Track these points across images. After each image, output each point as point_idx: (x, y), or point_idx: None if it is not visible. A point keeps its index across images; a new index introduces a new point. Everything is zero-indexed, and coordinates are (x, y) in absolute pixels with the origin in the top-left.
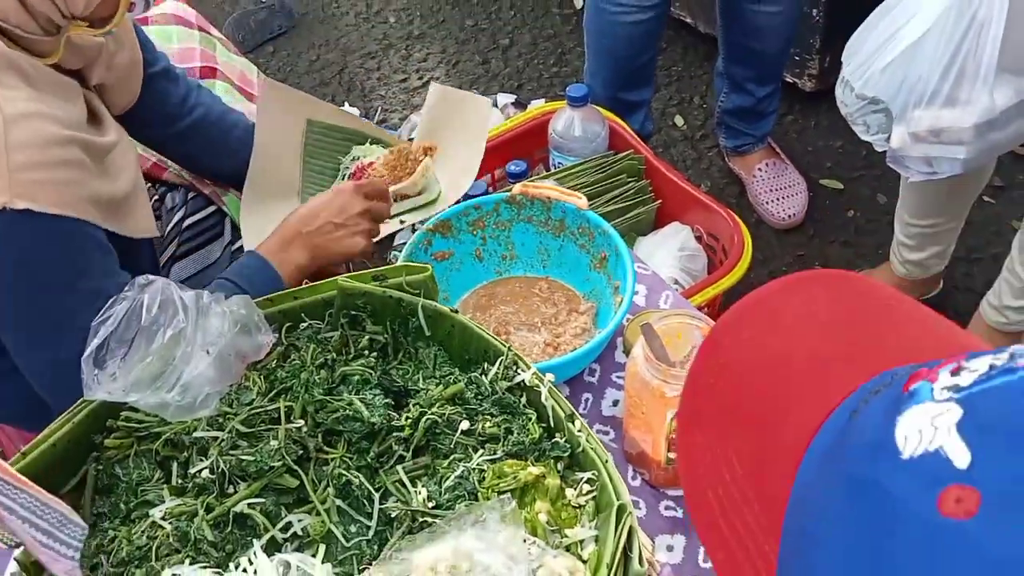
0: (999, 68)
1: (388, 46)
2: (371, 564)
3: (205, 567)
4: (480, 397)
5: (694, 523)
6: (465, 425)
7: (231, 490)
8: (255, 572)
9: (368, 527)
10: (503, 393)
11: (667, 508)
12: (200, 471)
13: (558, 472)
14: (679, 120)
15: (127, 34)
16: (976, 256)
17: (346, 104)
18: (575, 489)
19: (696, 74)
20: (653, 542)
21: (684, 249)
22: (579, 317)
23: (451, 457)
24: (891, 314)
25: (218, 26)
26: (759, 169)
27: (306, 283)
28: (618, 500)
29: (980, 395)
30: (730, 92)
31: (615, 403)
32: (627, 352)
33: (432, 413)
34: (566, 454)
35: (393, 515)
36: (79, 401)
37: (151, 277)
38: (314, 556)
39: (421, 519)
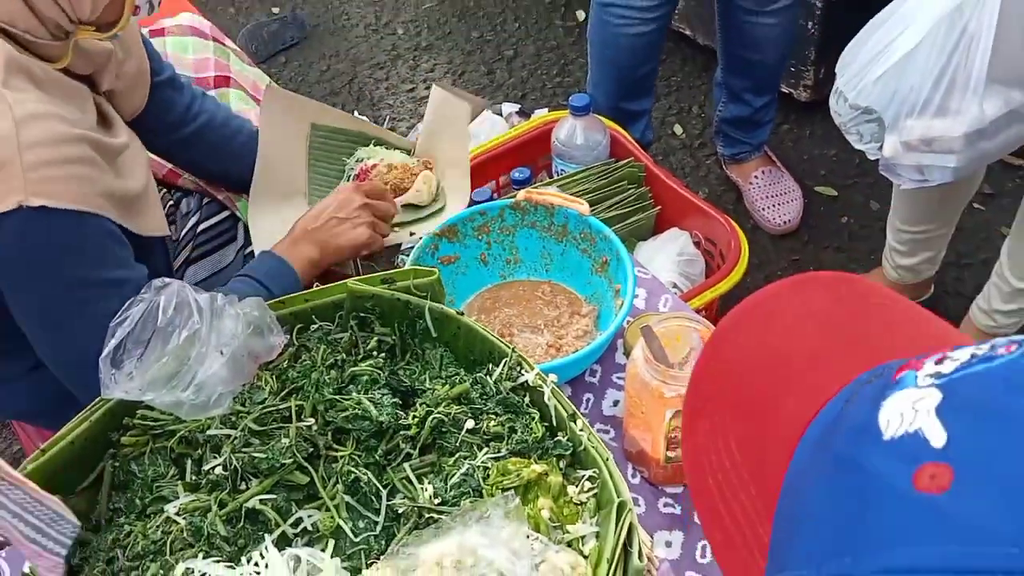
0: (988, 79)
1: (396, 57)
2: (379, 559)
3: (218, 561)
4: (485, 397)
5: (696, 508)
6: (470, 424)
7: (243, 486)
8: (266, 566)
9: (376, 523)
10: (507, 393)
11: (666, 505)
12: (213, 468)
13: (560, 470)
14: (678, 129)
15: (134, 43)
16: (966, 261)
17: (355, 113)
18: (577, 486)
19: (695, 84)
20: (652, 538)
21: (683, 254)
22: (581, 319)
23: (456, 455)
24: (888, 313)
25: (232, 37)
26: (755, 176)
27: (317, 286)
28: (618, 497)
29: (960, 380)
30: (728, 102)
31: (615, 403)
32: (627, 354)
33: (438, 412)
34: (568, 452)
35: (400, 511)
36: (96, 400)
37: (167, 280)
38: (323, 551)
39: (427, 515)
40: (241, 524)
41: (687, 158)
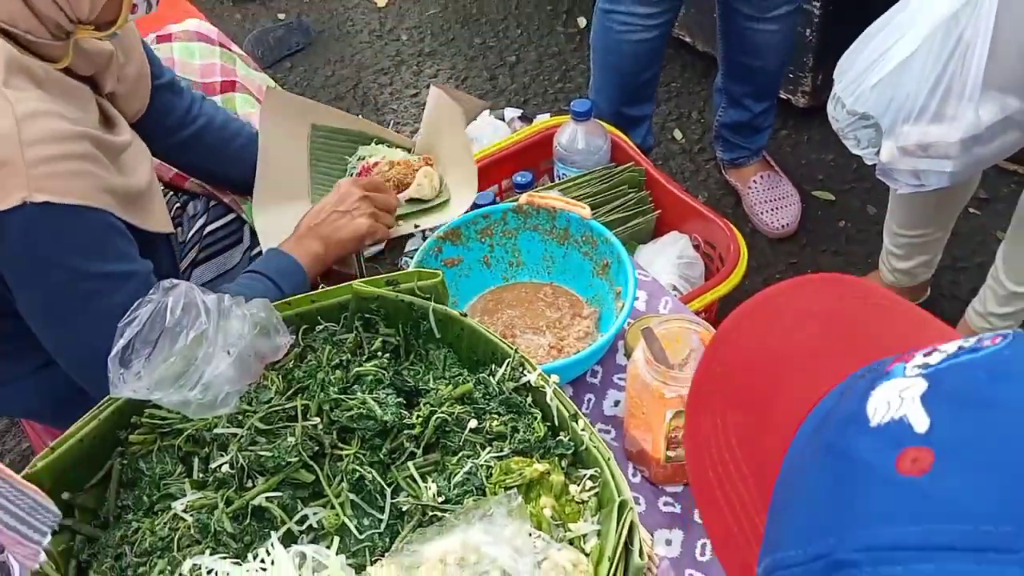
0: (984, 86)
1: (400, 62)
2: (383, 556)
3: (225, 558)
4: (488, 397)
5: (696, 500)
6: (473, 423)
7: (250, 484)
8: (272, 563)
9: (380, 520)
10: (510, 393)
11: (666, 504)
12: (220, 466)
13: (562, 469)
14: (678, 134)
15: (135, 46)
16: (962, 265)
17: (360, 117)
18: (578, 485)
19: (694, 90)
20: (652, 536)
21: (683, 257)
22: (582, 321)
23: (460, 454)
24: (887, 315)
25: (238, 43)
26: (754, 181)
27: (322, 287)
28: (620, 496)
29: (945, 370)
30: (728, 107)
31: (616, 403)
32: (628, 355)
33: (442, 412)
34: (570, 452)
35: (404, 509)
36: (105, 399)
37: (175, 281)
38: (328, 548)
39: (431, 513)
40: (247, 521)
41: (687, 163)
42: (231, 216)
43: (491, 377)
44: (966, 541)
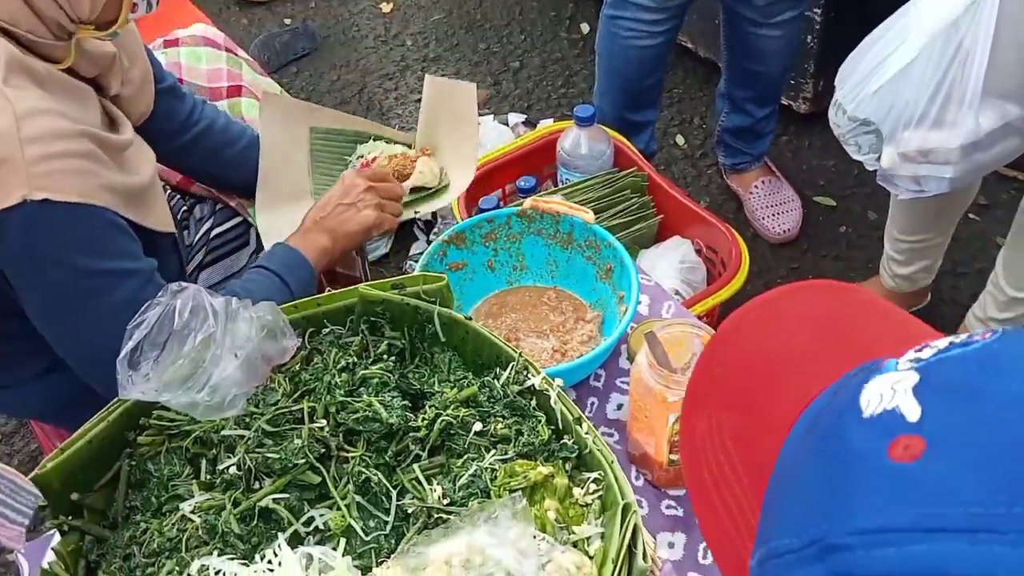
0: (984, 93)
1: (405, 68)
2: (389, 557)
3: (232, 558)
4: (492, 400)
5: (691, 499)
6: (478, 426)
7: (257, 486)
8: (279, 564)
9: (386, 522)
10: (514, 396)
11: (668, 507)
12: (228, 467)
13: (566, 472)
14: (680, 139)
15: (139, 50)
16: (962, 270)
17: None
18: (582, 488)
19: (696, 96)
20: (655, 539)
21: (685, 261)
22: (586, 325)
23: (465, 457)
24: (884, 320)
25: (245, 48)
26: (756, 186)
27: (328, 291)
28: (623, 499)
29: (936, 363)
30: (731, 112)
31: (619, 407)
32: (631, 359)
33: (447, 415)
34: (574, 455)
35: (410, 511)
36: (114, 400)
37: (183, 284)
38: (335, 549)
39: (436, 515)
40: (255, 523)
41: (689, 168)
42: (238, 219)
43: (495, 380)
44: (957, 523)
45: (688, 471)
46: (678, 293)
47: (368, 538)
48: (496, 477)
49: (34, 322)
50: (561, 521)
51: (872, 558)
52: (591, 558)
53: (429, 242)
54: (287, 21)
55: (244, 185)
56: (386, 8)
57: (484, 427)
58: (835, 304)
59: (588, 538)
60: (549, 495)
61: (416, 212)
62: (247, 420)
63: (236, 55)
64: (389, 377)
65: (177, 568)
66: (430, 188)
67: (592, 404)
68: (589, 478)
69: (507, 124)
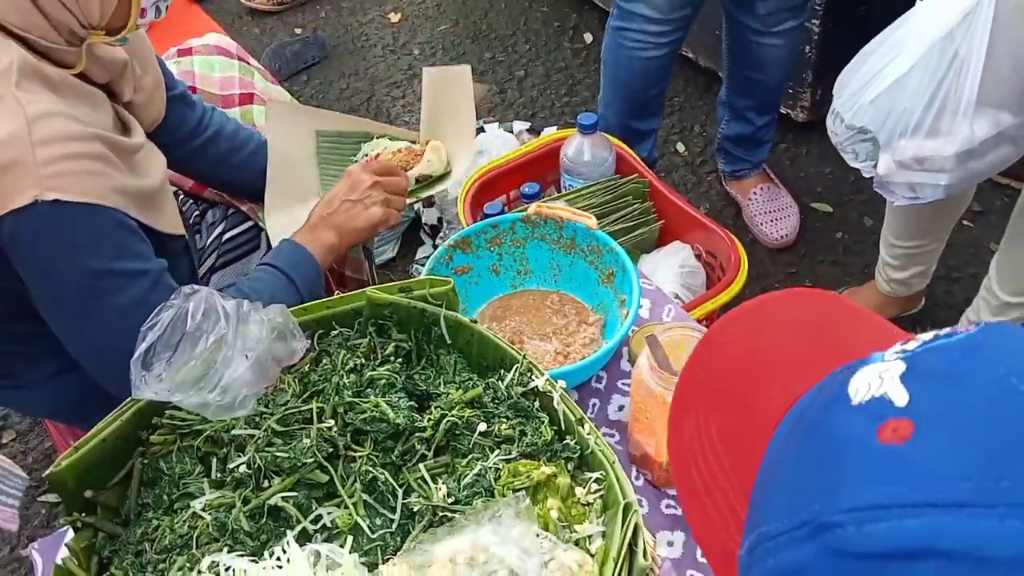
0: (978, 102)
1: (413, 76)
2: (395, 555)
3: (242, 555)
4: (496, 401)
5: (679, 496)
6: (483, 427)
7: (266, 484)
8: (288, 561)
9: (392, 520)
10: (518, 398)
11: (668, 506)
12: (238, 466)
13: (568, 472)
14: (680, 147)
15: (151, 58)
16: (956, 276)
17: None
18: (584, 488)
19: (696, 104)
20: (655, 538)
21: (685, 266)
22: (588, 328)
23: (469, 456)
24: (869, 327)
25: (256, 56)
26: (754, 193)
27: (337, 294)
28: (624, 499)
29: (922, 352)
30: (731, 120)
31: (621, 408)
32: (632, 361)
33: (452, 415)
34: (576, 455)
35: (415, 509)
36: (127, 400)
37: (196, 287)
38: (342, 546)
39: (441, 514)
40: (264, 520)
41: (689, 175)
42: (249, 224)
43: (500, 382)
44: (946, 498)
45: (676, 469)
46: (678, 297)
47: (374, 536)
48: (500, 477)
49: (46, 320)
50: (563, 520)
51: (862, 534)
52: (593, 556)
53: (435, 246)
54: (298, 31)
55: (253, 188)
56: (394, 18)
57: (488, 428)
58: (820, 310)
59: (590, 537)
60: (552, 494)
61: (417, 198)
62: (257, 420)
63: (248, 64)
64: (396, 378)
65: (188, 564)
66: (436, 175)
67: (594, 405)
68: (591, 478)
69: (512, 131)
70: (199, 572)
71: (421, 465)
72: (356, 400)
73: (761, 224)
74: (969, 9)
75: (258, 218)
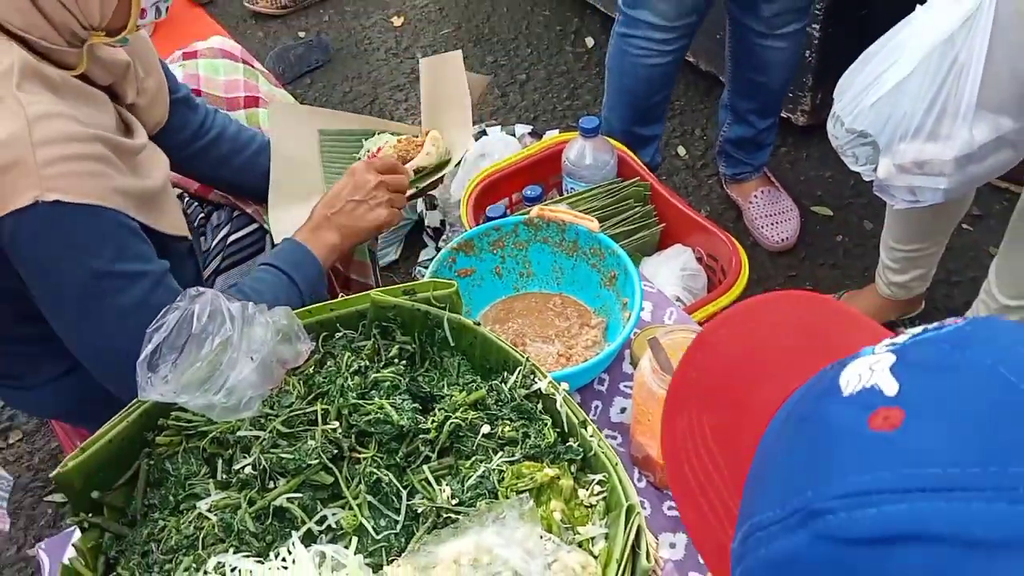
0: (978, 107)
1: (415, 79)
2: (399, 556)
3: (247, 556)
4: (500, 403)
5: (672, 492)
6: (486, 429)
7: (271, 485)
8: (293, 561)
9: (396, 522)
10: (521, 400)
11: (670, 508)
12: (243, 467)
13: (571, 474)
14: (681, 150)
15: (153, 61)
16: (956, 279)
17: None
18: (587, 490)
19: (697, 108)
20: (657, 539)
21: (686, 269)
22: (590, 331)
23: (473, 458)
24: (858, 327)
25: (261, 60)
26: (755, 196)
27: (342, 296)
28: (627, 501)
29: (912, 344)
30: (733, 123)
31: (623, 410)
32: (634, 364)
33: (456, 417)
34: (579, 457)
35: (419, 511)
36: (133, 401)
37: (201, 289)
38: (347, 548)
39: (445, 515)
40: (269, 521)
41: (690, 178)
42: (254, 226)
43: (503, 384)
44: (935, 483)
45: (670, 468)
46: (680, 300)
47: (379, 537)
48: (503, 478)
49: (49, 321)
50: (567, 522)
51: (853, 519)
52: (596, 558)
53: (438, 249)
54: (301, 34)
55: (256, 190)
56: (397, 22)
57: (492, 429)
58: (811, 311)
59: (593, 538)
60: (555, 496)
61: (417, 188)
62: (262, 421)
63: (252, 67)
64: (400, 380)
65: (194, 565)
66: (432, 167)
67: (596, 408)
68: (594, 480)
69: (514, 135)
70: (205, 572)
71: (425, 467)
72: (360, 402)
73: (762, 227)
74: (969, 14)
75: (263, 220)
